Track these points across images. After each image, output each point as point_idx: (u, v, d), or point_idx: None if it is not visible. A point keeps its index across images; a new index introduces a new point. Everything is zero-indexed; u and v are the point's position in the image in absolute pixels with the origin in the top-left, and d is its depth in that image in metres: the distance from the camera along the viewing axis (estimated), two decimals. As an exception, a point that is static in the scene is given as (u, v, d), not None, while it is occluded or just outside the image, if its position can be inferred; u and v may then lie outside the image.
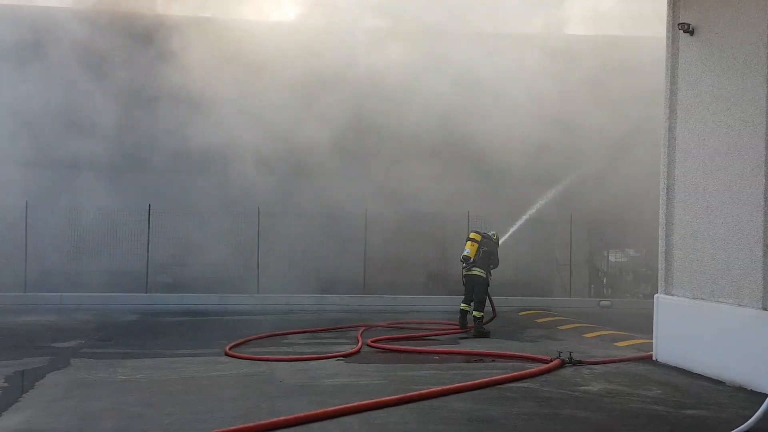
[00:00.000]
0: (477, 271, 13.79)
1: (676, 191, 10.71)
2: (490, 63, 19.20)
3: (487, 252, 13.84)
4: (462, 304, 14.02)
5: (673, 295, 10.70)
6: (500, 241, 14.68)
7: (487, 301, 13.91)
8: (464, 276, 14.01)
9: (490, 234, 14.26)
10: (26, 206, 17.85)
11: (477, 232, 14.12)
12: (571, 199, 19.72)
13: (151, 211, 18.39)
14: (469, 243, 13.93)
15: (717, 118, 9.94)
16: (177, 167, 20.24)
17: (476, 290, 13.76)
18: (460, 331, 13.90)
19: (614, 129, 19.52)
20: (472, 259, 13.79)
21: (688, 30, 10.41)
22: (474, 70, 19.12)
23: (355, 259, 19.54)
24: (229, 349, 11.26)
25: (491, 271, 14.06)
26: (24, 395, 8.35)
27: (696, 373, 9.89)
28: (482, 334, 13.46)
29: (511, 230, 17.18)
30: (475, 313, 13.64)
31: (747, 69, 9.46)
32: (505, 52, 19.38)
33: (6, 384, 8.85)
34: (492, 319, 14.09)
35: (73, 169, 19.76)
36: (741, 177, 9.49)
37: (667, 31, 10.92)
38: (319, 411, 7.42)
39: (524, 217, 18.02)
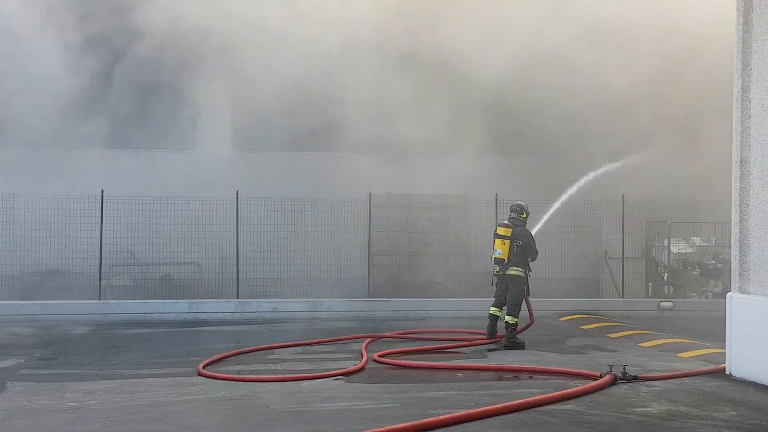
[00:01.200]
0: (514, 271, 13.78)
1: (751, 165, 10.68)
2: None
3: (522, 245, 13.80)
4: (492, 308, 14.02)
5: (749, 293, 10.70)
6: (532, 230, 14.67)
7: (523, 304, 13.90)
8: (496, 275, 14.04)
9: (519, 215, 14.02)
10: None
11: (505, 225, 13.93)
12: (623, 177, 19.73)
13: (104, 197, 18.40)
14: (498, 242, 13.82)
15: (803, 74, 9.92)
16: (135, 141, 20.47)
17: (511, 290, 13.76)
18: (488, 341, 13.93)
19: (674, 90, 19.55)
20: (506, 261, 13.79)
21: (766, -36, 10.38)
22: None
23: (357, 254, 19.57)
24: (203, 367, 11.31)
25: (530, 265, 14.03)
26: (-49, 428, 8.44)
27: (779, 390, 9.92)
28: (515, 344, 13.49)
29: (544, 218, 17.16)
30: (508, 318, 13.64)
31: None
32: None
33: (-71, 414, 8.92)
34: (528, 326, 14.11)
35: (5, 148, 19.94)
36: (833, 147, 9.47)
37: (739, -33, 10.89)
38: (314, 442, 7.49)
39: (560, 200, 18.01)
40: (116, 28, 19.52)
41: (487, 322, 14.07)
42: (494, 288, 14.22)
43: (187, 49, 19.89)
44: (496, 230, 14.14)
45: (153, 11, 19.11)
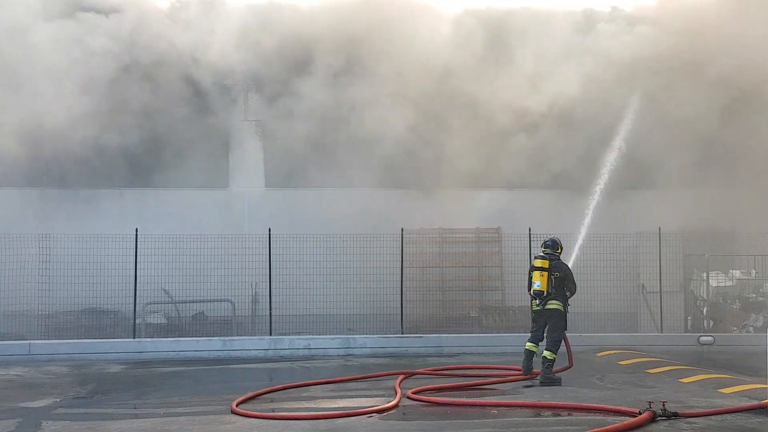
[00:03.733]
0: (553, 305, 13.59)
1: (791, 196, 10.59)
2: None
3: (560, 278, 13.62)
4: (528, 344, 13.81)
5: (791, 327, 10.56)
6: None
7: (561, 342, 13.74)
8: (535, 311, 13.84)
9: (554, 250, 13.88)
10: (-15, 234, 18.23)
11: (543, 258, 13.73)
12: (659, 208, 19.62)
13: (138, 236, 18.58)
14: (536, 273, 13.62)
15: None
16: (168, 182, 20.76)
17: (551, 325, 13.56)
18: (523, 377, 13.82)
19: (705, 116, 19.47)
20: (545, 293, 13.64)
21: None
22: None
23: (390, 290, 19.56)
24: (237, 405, 11.31)
25: (569, 300, 13.85)
26: (-13, 468, 8.50)
27: (824, 426, 9.74)
28: (552, 381, 13.33)
29: (576, 248, 17.09)
30: (546, 353, 13.44)
31: None
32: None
33: (-35, 454, 9.02)
34: (566, 368, 13.85)
35: (42, 189, 20.27)
36: None
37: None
38: (348, 482, 7.45)
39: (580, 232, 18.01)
40: (149, 67, 19.86)
41: (523, 357, 13.92)
42: (525, 323, 14.07)
43: (219, 89, 20.23)
44: (532, 263, 14.02)
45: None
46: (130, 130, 19.88)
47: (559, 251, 13.97)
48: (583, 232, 18.06)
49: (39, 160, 19.84)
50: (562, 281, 13.63)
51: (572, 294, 13.81)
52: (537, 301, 13.68)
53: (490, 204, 21.09)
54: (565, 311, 13.70)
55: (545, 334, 13.70)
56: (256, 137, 21.43)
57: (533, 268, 13.82)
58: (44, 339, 18.24)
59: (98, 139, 19.65)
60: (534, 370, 13.70)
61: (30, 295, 18.84)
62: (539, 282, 13.56)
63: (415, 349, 18.08)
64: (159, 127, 20.16)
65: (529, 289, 13.84)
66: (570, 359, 13.93)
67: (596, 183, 19.20)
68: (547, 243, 14.00)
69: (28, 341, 17.72)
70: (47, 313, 19.13)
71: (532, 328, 13.90)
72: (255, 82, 20.85)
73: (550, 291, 13.56)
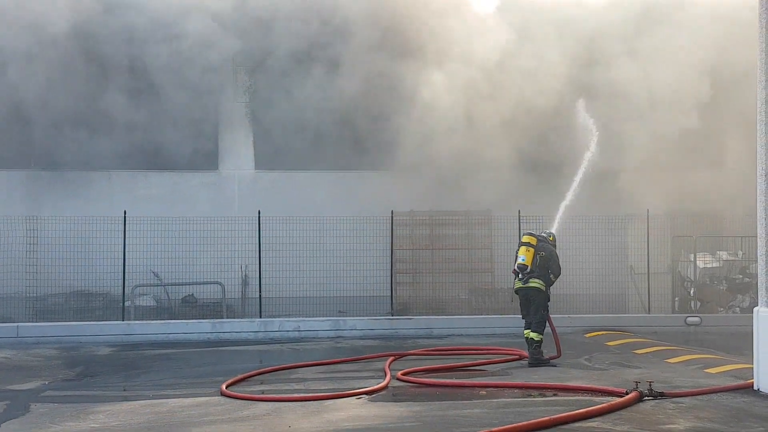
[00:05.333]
0: (534, 283, 13.56)
1: (777, 178, 10.61)
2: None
3: (546, 257, 13.59)
4: (525, 331, 13.68)
5: (777, 308, 10.60)
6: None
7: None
8: (517, 290, 13.82)
9: (545, 235, 14.03)
10: (-26, 217, 18.17)
11: (531, 234, 13.78)
12: (647, 192, 19.66)
13: (126, 218, 18.54)
14: (523, 248, 13.59)
15: (827, 85, 9.85)
16: (157, 162, 20.72)
17: (534, 306, 13.57)
18: (511, 359, 13.87)
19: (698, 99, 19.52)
20: (529, 268, 13.58)
21: (788, -24, 10.34)
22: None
23: (380, 272, 19.58)
24: (226, 387, 11.33)
25: (552, 281, 13.86)
26: (-25, 450, 8.51)
27: (809, 406, 9.82)
28: (540, 362, 13.35)
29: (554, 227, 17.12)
30: (532, 334, 13.43)
31: None
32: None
33: (-47, 437, 9.02)
34: (554, 357, 13.65)
35: (30, 171, 20.20)
36: None
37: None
38: (336, 462, 7.48)
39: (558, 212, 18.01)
40: (136, 52, 19.76)
41: (527, 345, 13.69)
42: (515, 305, 14.04)
43: (210, 71, 20.14)
44: (521, 238, 13.98)
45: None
46: (119, 111, 19.75)
47: (551, 239, 13.99)
48: (560, 211, 18.10)
49: (27, 142, 19.70)
50: (546, 261, 13.58)
51: (556, 277, 13.74)
52: (519, 276, 13.57)
53: (480, 186, 21.09)
54: (548, 292, 13.66)
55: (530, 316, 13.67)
56: (245, 119, 21.34)
57: (520, 243, 13.79)
58: (32, 322, 18.26)
59: (87, 121, 19.56)
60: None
61: (18, 277, 18.78)
62: (524, 256, 13.48)
63: (405, 330, 18.13)
64: (147, 108, 20.03)
65: (515, 266, 13.75)
66: (558, 349, 13.73)
67: (580, 166, 19.29)
68: (542, 236, 13.95)
69: (16, 324, 17.72)
70: (35, 295, 19.09)
71: (523, 314, 13.79)
72: (244, 64, 20.74)
73: (533, 268, 13.50)
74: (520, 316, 13.87)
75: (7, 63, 19.28)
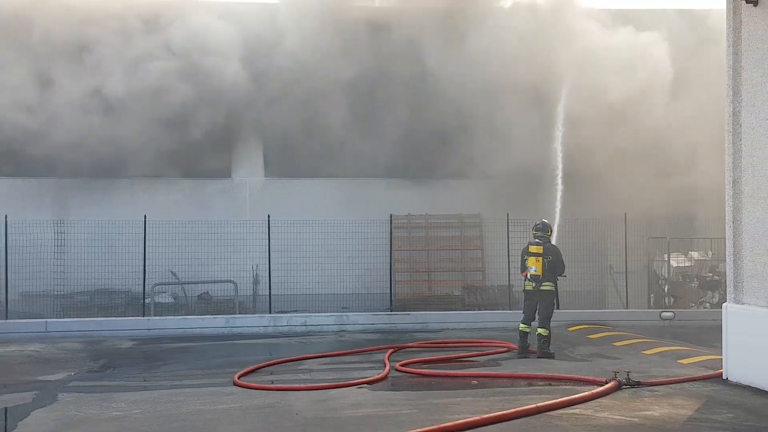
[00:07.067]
0: (546, 286, 13.53)
1: (743, 184, 10.62)
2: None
3: (552, 262, 13.55)
4: (522, 325, 13.65)
5: (744, 303, 10.61)
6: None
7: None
8: (530, 292, 13.69)
9: (544, 233, 13.80)
10: (5, 221, 18.09)
11: (536, 244, 13.63)
12: (624, 196, 19.65)
13: (146, 222, 18.53)
14: (532, 259, 13.54)
15: (789, 99, 9.86)
16: (175, 172, 20.72)
17: (542, 304, 13.48)
18: (500, 351, 13.86)
19: (672, 113, 19.58)
20: (541, 276, 13.53)
21: (751, 0, 10.33)
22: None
23: (380, 271, 19.57)
24: (238, 377, 11.34)
25: (558, 279, 13.76)
26: (7, 436, 8.50)
27: (774, 394, 9.81)
28: (547, 355, 13.28)
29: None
30: (540, 330, 13.39)
31: (822, 41, 9.37)
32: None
33: (-14, 424, 9.01)
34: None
35: (59, 178, 20.20)
36: (819, 166, 9.40)
37: (727, 3, 10.85)
38: (340, 447, 7.46)
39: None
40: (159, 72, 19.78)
41: (518, 338, 13.73)
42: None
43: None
44: (527, 249, 13.77)
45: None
46: (142, 126, 19.72)
47: (549, 233, 13.96)
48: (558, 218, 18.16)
49: (55, 154, 19.66)
50: (553, 265, 13.59)
51: (560, 274, 13.75)
52: (533, 283, 13.56)
53: (472, 192, 21.17)
54: (557, 290, 13.66)
55: (537, 314, 13.56)
56: (256, 132, 21.34)
57: (529, 254, 13.66)
58: (60, 317, 18.19)
59: (112, 135, 19.54)
60: (530, 348, 13.59)
61: (47, 276, 18.76)
62: (535, 267, 13.51)
63: (403, 325, 18.09)
64: (168, 122, 20.01)
65: (523, 271, 13.75)
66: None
67: (558, 173, 19.37)
68: (538, 226, 13.92)
69: (44, 319, 17.65)
70: (63, 293, 19.08)
71: (524, 309, 13.77)
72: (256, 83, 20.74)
73: (544, 273, 13.50)
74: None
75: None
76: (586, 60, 19.44)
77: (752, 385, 10.23)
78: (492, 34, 19.65)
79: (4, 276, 17.91)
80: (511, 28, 19.70)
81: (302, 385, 10.99)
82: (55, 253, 19.07)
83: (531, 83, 19.44)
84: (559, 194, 19.10)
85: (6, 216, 18.10)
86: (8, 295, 17.80)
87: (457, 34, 20.06)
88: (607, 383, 10.21)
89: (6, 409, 9.82)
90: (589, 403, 9.40)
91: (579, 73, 19.41)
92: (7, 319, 17.56)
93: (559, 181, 19.21)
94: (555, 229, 18.02)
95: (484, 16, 20.17)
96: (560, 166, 19.24)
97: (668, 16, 21.17)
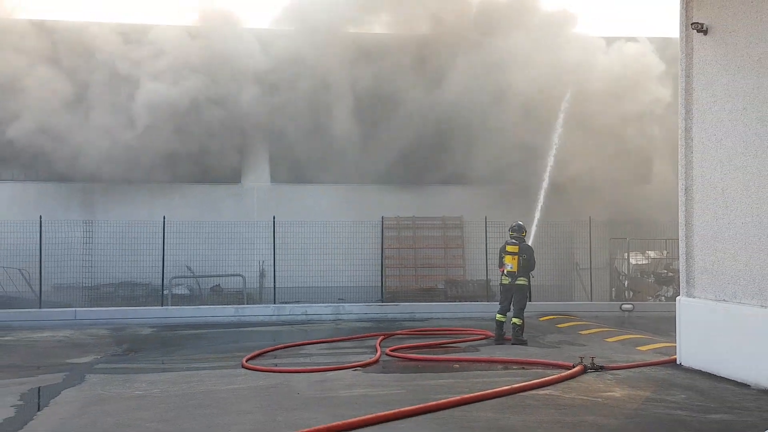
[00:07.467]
0: (521, 281, 13.52)
1: (694, 192, 10.67)
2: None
3: (527, 259, 13.55)
4: (498, 315, 13.65)
5: (695, 297, 10.65)
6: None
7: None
8: (506, 286, 13.64)
9: (520, 233, 13.78)
10: (40, 220, 18.00)
11: (513, 244, 13.62)
12: (589, 202, 19.71)
13: (165, 222, 18.48)
14: (509, 257, 13.54)
15: (733, 117, 9.91)
16: (191, 178, 20.70)
17: (517, 297, 13.47)
18: (478, 338, 13.86)
19: (631, 130, 19.69)
20: (516, 272, 13.52)
21: (702, 29, 10.38)
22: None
23: (372, 267, 19.55)
24: (246, 361, 11.30)
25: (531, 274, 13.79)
26: (38, 413, 8.44)
27: (721, 377, 9.83)
28: (521, 342, 13.28)
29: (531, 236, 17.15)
30: (515, 320, 13.39)
31: (762, 67, 9.42)
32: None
33: (21, 402, 8.95)
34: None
35: (87, 183, 20.14)
36: (759, 176, 9.46)
37: (681, 32, 10.89)
38: (336, 423, 7.44)
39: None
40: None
41: (495, 327, 13.68)
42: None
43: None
44: (504, 248, 13.72)
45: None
46: (160, 139, 19.70)
47: (524, 234, 13.94)
48: (528, 221, 18.16)
49: (82, 160, 19.61)
50: (527, 262, 13.58)
51: (532, 269, 13.75)
52: (509, 279, 13.55)
53: (454, 197, 21.22)
54: (529, 284, 13.70)
55: (512, 305, 13.52)
56: (263, 142, 21.33)
57: (506, 252, 13.64)
58: (88, 307, 18.12)
59: (135, 144, 19.51)
60: (505, 336, 13.55)
61: (76, 270, 18.71)
62: (511, 264, 13.51)
63: (392, 314, 18.08)
64: (184, 134, 19.99)
65: (501, 267, 13.72)
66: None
67: (540, 180, 19.37)
68: (514, 227, 13.91)
69: (74, 308, 17.59)
70: (90, 285, 19.05)
71: (501, 301, 13.74)
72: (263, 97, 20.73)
73: (519, 270, 13.51)
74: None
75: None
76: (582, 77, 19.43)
77: (703, 370, 10.26)
78: (487, 54, 19.63)
79: (38, 269, 17.82)
80: (509, 49, 19.64)
81: (303, 368, 10.95)
82: (84, 250, 19.04)
83: (524, 97, 19.37)
84: (540, 203, 19.12)
85: (41, 216, 18.02)
86: (42, 286, 17.72)
87: (448, 57, 20.05)
88: (574, 367, 10.22)
89: (39, 388, 9.77)
90: (557, 385, 9.41)
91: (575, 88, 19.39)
92: (41, 308, 17.48)
93: (543, 192, 19.21)
94: (534, 230, 18.14)
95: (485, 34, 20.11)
96: (547, 178, 19.23)
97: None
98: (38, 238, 17.88)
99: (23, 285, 18.43)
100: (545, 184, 19.17)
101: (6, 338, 14.58)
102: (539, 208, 19.04)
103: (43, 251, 17.89)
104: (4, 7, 20.23)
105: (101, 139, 19.12)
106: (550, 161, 19.13)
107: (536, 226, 18.79)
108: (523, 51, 19.51)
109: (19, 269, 18.54)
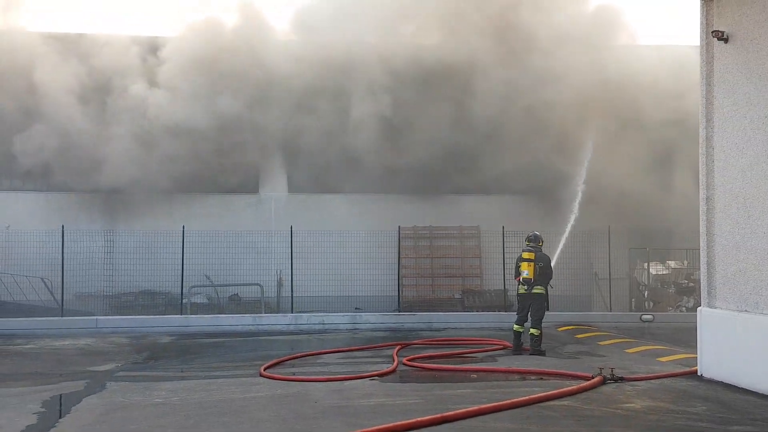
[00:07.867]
0: (538, 290, 13.38)
1: (716, 201, 10.56)
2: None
3: (543, 267, 13.40)
4: (515, 326, 13.53)
5: (716, 307, 10.52)
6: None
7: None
8: (522, 296, 13.52)
9: (536, 243, 13.61)
10: (62, 230, 18.14)
11: (529, 251, 13.49)
12: (609, 212, 19.59)
13: (184, 232, 18.57)
14: (525, 264, 13.39)
15: (755, 126, 9.81)
16: (210, 188, 20.82)
17: (534, 306, 13.31)
18: (498, 348, 13.77)
19: (653, 139, 19.53)
20: (532, 280, 13.38)
21: (723, 38, 10.30)
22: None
23: (389, 276, 19.53)
24: (264, 369, 11.30)
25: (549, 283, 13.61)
26: (60, 420, 8.49)
27: (742, 388, 9.69)
28: (539, 352, 13.12)
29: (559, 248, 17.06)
30: (533, 330, 13.24)
31: (785, 74, 9.33)
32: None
33: (43, 409, 8.99)
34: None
35: (108, 193, 20.31)
36: (783, 185, 9.34)
37: (701, 40, 10.81)
38: (354, 432, 7.41)
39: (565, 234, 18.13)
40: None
41: (512, 337, 13.59)
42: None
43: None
44: (520, 256, 13.62)
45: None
46: (181, 151, 19.85)
47: (540, 244, 13.79)
48: (547, 231, 18.09)
49: (102, 170, 19.77)
50: (544, 270, 13.44)
51: (549, 279, 13.57)
52: (525, 287, 13.42)
53: (471, 206, 21.18)
54: (547, 294, 13.51)
55: (530, 315, 13.38)
56: (281, 152, 21.41)
57: (522, 259, 13.51)
58: (108, 315, 18.25)
59: (152, 153, 19.66)
60: (524, 346, 13.42)
61: (97, 279, 18.91)
62: (527, 271, 13.34)
63: (409, 324, 18.04)
64: (203, 147, 20.11)
65: (517, 276, 13.59)
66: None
67: (570, 192, 19.35)
68: (530, 237, 13.76)
69: (95, 317, 17.72)
70: (111, 294, 19.22)
71: (518, 311, 13.62)
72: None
73: (535, 278, 13.37)
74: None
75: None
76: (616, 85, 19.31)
77: (724, 381, 10.12)
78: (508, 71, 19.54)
79: (60, 278, 17.97)
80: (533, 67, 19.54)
81: (320, 377, 10.94)
82: (105, 259, 19.21)
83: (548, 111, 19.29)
84: (573, 216, 19.05)
85: (63, 226, 18.18)
86: (64, 295, 17.87)
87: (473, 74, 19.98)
88: (593, 378, 10.12)
89: (61, 395, 9.83)
90: (577, 396, 9.31)
91: (610, 98, 19.27)
92: (63, 316, 17.62)
93: (577, 204, 19.15)
94: (563, 240, 18.03)
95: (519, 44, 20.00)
96: (581, 190, 19.17)
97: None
98: (60, 248, 18.04)
99: (46, 294, 18.59)
100: (579, 198, 19.11)
101: (29, 346, 14.70)
102: (571, 220, 19.00)
103: (65, 261, 18.05)
104: (27, 20, 20.55)
105: (123, 152, 19.28)
106: (583, 174, 19.06)
107: (566, 237, 18.72)
108: (549, 68, 19.46)
109: (42, 278, 18.71)
